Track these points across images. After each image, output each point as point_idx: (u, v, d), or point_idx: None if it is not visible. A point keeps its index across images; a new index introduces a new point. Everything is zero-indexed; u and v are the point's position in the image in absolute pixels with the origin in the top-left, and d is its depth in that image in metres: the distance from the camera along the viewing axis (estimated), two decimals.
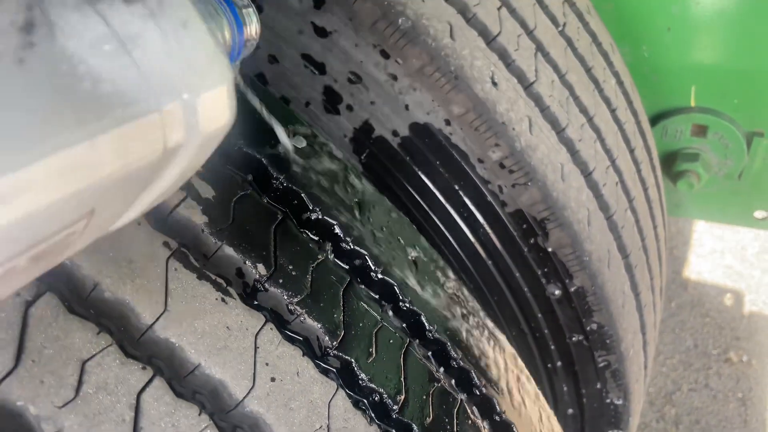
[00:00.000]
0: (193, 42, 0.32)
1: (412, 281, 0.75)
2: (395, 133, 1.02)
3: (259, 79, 1.04)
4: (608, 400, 1.27)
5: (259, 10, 0.96)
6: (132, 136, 0.29)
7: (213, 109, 0.33)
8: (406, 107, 0.99)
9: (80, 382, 0.49)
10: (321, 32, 0.95)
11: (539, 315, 1.16)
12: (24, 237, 0.27)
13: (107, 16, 0.28)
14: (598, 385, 1.24)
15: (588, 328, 1.15)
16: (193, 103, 0.32)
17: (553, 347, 1.20)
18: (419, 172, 1.05)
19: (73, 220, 0.30)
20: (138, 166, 0.31)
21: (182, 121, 0.32)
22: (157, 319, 0.54)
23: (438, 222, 1.08)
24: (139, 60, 0.29)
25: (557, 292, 1.11)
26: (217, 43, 0.34)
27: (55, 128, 0.26)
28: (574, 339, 1.18)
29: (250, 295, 0.62)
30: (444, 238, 1.09)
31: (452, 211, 1.07)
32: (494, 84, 0.99)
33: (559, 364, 1.23)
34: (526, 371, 0.92)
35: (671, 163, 1.74)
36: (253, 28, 0.53)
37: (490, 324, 0.85)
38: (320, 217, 0.70)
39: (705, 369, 3.16)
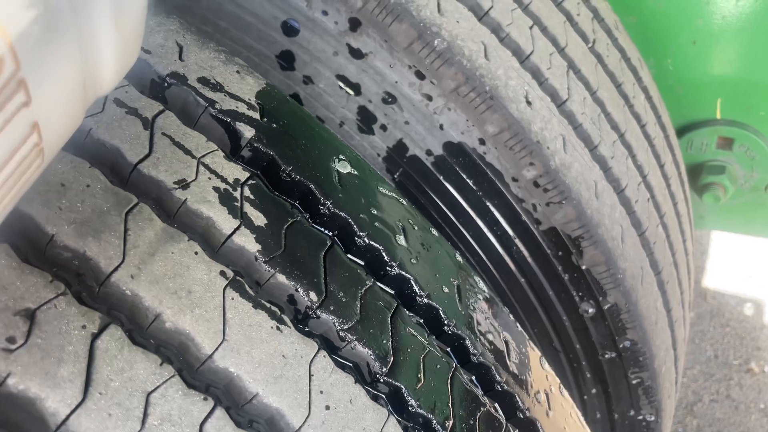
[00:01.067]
0: None
1: (455, 305, 0.75)
2: (429, 152, 1.03)
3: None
4: (640, 417, 1.26)
5: (295, 32, 0.97)
6: None
7: None
8: (441, 127, 0.99)
9: (145, 414, 0.49)
10: (356, 54, 0.96)
11: (572, 333, 1.15)
12: None
13: None
14: (631, 403, 1.23)
15: (621, 346, 1.15)
16: None
17: (585, 365, 1.19)
18: (453, 191, 1.05)
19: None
20: None
21: None
22: (217, 348, 0.54)
23: (471, 240, 1.08)
24: None
25: (591, 309, 1.10)
26: None
27: None
28: (606, 356, 1.17)
29: (301, 322, 0.63)
30: (477, 256, 1.09)
31: (485, 230, 1.07)
32: (528, 103, 0.99)
33: (591, 381, 1.22)
34: (564, 389, 0.91)
35: (697, 176, 1.73)
36: None
37: (531, 345, 0.85)
38: (366, 242, 0.70)
39: (726, 380, 3.13)
